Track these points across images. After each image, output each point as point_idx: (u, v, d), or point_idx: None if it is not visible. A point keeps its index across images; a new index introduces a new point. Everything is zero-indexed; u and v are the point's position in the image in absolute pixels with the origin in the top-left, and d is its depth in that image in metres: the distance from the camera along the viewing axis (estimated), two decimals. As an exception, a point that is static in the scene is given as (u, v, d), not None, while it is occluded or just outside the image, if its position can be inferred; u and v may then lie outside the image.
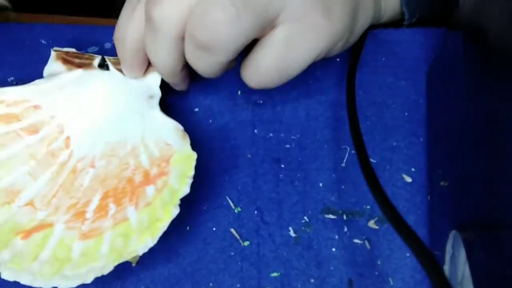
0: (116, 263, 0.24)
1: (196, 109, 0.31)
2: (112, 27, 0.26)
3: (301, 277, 0.26)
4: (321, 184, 0.28)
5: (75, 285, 0.23)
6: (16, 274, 0.24)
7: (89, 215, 0.26)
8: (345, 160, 0.29)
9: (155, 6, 0.23)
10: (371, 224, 0.27)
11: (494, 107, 0.19)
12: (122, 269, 0.26)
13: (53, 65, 0.28)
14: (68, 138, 0.28)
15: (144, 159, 0.27)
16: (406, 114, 0.30)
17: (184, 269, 0.27)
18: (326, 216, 0.28)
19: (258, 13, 0.22)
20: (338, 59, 0.31)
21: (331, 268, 0.26)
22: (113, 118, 0.28)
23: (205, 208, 0.28)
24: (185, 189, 0.25)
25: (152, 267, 0.27)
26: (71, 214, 0.26)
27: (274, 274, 0.26)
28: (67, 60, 0.28)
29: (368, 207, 0.28)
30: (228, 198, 0.28)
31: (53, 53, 0.28)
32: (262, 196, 0.28)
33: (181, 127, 0.27)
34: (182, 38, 0.24)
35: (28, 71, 0.31)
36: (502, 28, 0.19)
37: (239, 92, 0.31)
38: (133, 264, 0.24)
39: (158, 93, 0.28)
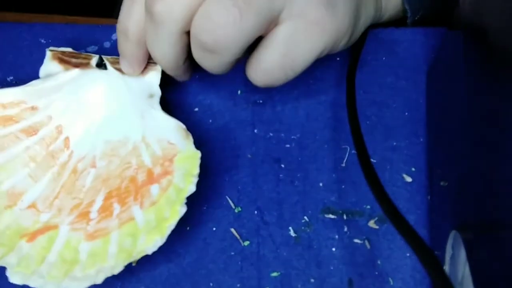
0: (126, 263, 0.24)
1: (196, 109, 0.30)
2: (112, 27, 0.26)
3: (301, 277, 0.26)
4: (321, 184, 0.28)
5: (86, 286, 0.23)
6: (25, 278, 0.23)
7: (93, 215, 0.26)
8: (345, 160, 0.29)
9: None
10: (371, 224, 0.27)
11: (494, 107, 0.19)
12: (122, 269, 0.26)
13: (49, 65, 0.28)
14: (67, 138, 0.28)
15: (146, 158, 0.27)
16: (407, 114, 0.30)
17: (184, 269, 0.27)
18: (326, 216, 0.28)
19: (261, 11, 0.22)
20: (338, 59, 0.31)
21: (331, 268, 0.26)
22: (112, 117, 0.28)
23: (205, 208, 0.28)
24: (191, 188, 0.25)
25: (152, 267, 0.27)
26: (75, 215, 0.26)
27: (274, 274, 0.26)
28: (63, 60, 0.28)
29: (368, 207, 0.28)
30: (228, 198, 0.28)
31: (48, 53, 0.28)
32: (262, 196, 0.28)
33: (183, 126, 0.27)
34: (184, 32, 0.24)
35: (27, 71, 0.31)
36: (502, 28, 0.19)
37: (239, 92, 0.31)
38: (133, 264, 0.24)
39: (158, 92, 0.28)
